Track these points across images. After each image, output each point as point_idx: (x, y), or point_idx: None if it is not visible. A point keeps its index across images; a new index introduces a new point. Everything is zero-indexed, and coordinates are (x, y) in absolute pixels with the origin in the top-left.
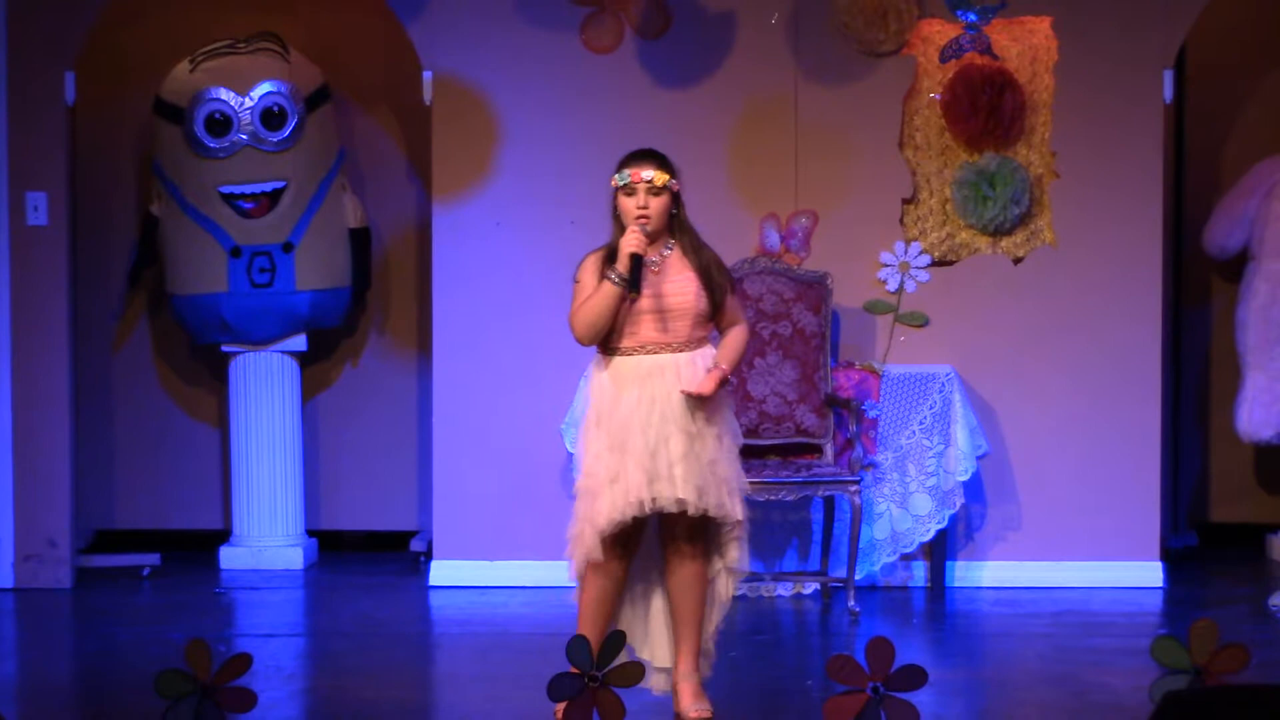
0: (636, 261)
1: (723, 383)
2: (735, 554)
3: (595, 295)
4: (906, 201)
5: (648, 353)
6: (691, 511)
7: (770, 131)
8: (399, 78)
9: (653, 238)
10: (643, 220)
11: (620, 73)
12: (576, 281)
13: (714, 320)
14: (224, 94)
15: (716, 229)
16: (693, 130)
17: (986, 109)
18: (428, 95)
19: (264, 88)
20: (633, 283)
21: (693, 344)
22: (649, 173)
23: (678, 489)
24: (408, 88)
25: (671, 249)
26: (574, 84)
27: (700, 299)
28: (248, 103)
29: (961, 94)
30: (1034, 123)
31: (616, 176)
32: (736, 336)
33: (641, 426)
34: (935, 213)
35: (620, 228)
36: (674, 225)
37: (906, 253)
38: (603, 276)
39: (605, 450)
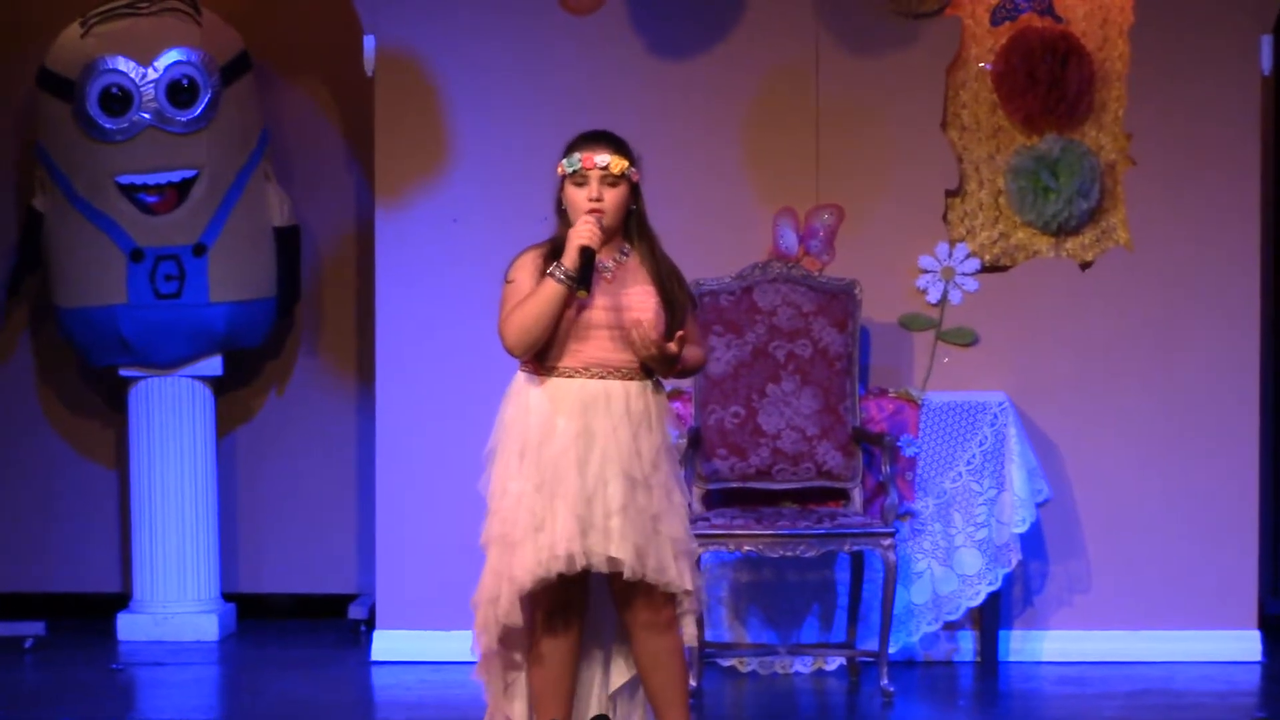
0: (588, 256)
1: (673, 359)
2: (691, 630)
3: (534, 295)
4: (951, 194)
5: (592, 376)
6: (626, 575)
7: (786, 109)
8: (335, 44)
9: (607, 236)
10: (595, 215)
11: (603, 38)
12: (509, 281)
13: None
14: (122, 64)
15: (721, 227)
16: (692, 108)
17: (1047, 81)
18: (370, 65)
19: (171, 56)
20: (583, 279)
21: (646, 373)
22: (604, 158)
23: (612, 545)
24: (346, 57)
25: (628, 254)
26: (547, 51)
27: (659, 319)
28: (151, 74)
29: (1017, 63)
30: (1105, 98)
31: (565, 162)
32: (697, 350)
33: (577, 465)
34: (986, 208)
35: (566, 224)
36: (631, 225)
37: (951, 256)
38: (544, 274)
39: (530, 490)
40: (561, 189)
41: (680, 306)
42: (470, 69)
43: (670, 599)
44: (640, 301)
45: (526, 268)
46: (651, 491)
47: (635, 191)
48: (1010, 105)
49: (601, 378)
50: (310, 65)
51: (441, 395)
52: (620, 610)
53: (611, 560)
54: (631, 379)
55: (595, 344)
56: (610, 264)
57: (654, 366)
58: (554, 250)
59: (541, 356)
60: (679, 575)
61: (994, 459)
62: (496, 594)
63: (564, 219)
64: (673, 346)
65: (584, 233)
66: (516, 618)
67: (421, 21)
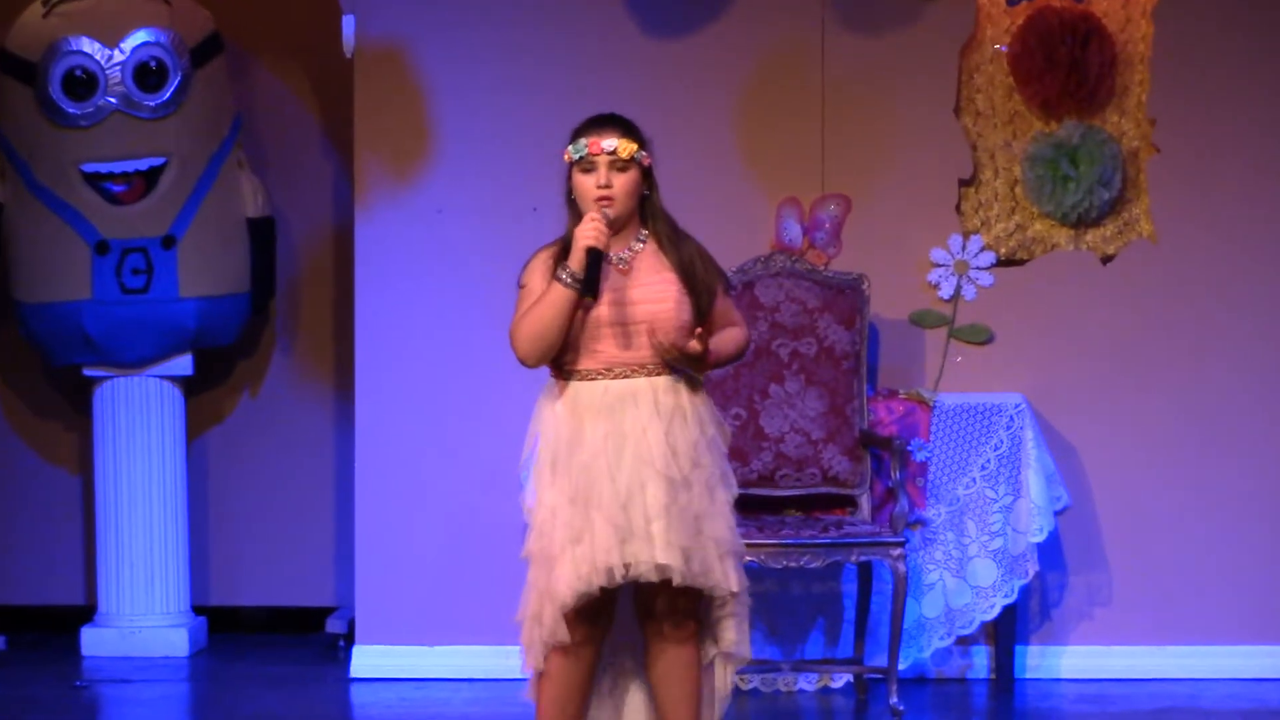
0: (595, 257)
1: (700, 357)
2: (732, 635)
3: (542, 300)
4: (964, 183)
5: (615, 376)
6: (677, 581)
7: (790, 93)
8: (312, 25)
9: (618, 226)
10: (605, 203)
11: (598, 18)
12: (522, 286)
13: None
14: (87, 45)
15: (720, 219)
16: (690, 93)
17: (1067, 64)
18: (349, 46)
19: (138, 37)
20: (589, 284)
21: (676, 369)
22: (611, 142)
23: (656, 552)
24: (324, 38)
25: (644, 241)
26: (538, 31)
27: (682, 306)
28: (117, 56)
29: (1035, 45)
30: (1128, 82)
31: (571, 149)
32: (733, 333)
33: (609, 471)
34: (1001, 198)
35: (577, 215)
36: (646, 211)
37: (964, 249)
38: (554, 276)
39: (564, 503)
40: (569, 177)
41: (706, 290)
42: (456, 52)
43: (692, 608)
44: (659, 292)
45: (538, 270)
46: (692, 489)
47: (647, 176)
48: (1027, 89)
49: (626, 376)
50: (286, 47)
51: (425, 396)
52: (642, 620)
53: (660, 568)
54: (659, 374)
55: (615, 341)
56: (626, 254)
57: (683, 367)
58: (566, 248)
59: (561, 361)
60: (724, 577)
61: (1010, 464)
62: (539, 611)
63: (574, 209)
64: (694, 345)
65: (589, 232)
66: (563, 634)
67: (404, 1)
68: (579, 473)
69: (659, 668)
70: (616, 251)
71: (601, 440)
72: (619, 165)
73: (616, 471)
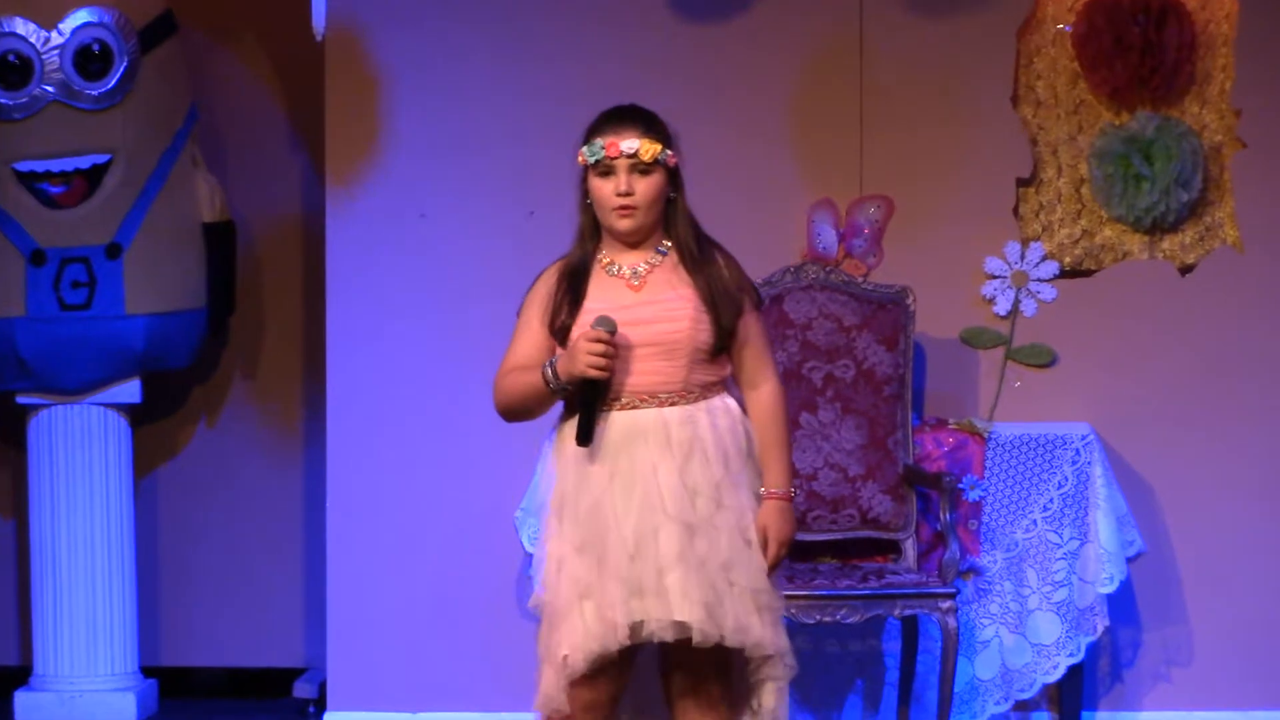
0: (593, 395)
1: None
2: (771, 702)
3: (525, 380)
4: (1023, 183)
5: (625, 407)
6: (697, 640)
7: (825, 82)
8: (278, 3)
9: (640, 237)
10: (625, 212)
11: (609, 6)
12: (519, 314)
13: (725, 352)
14: (21, 26)
15: (746, 224)
16: (711, 85)
17: (1139, 47)
18: (320, 29)
19: (79, 17)
20: (583, 434)
21: (692, 392)
22: (632, 143)
23: (673, 607)
24: (291, 18)
25: (665, 253)
26: (535, 15)
27: (699, 326)
28: (55, 39)
29: (1103, 26)
30: (1209, 67)
31: (585, 150)
32: (773, 417)
33: (616, 516)
34: (1065, 199)
35: (591, 222)
36: (669, 217)
37: (1023, 259)
38: (555, 308)
39: (571, 553)
40: (584, 181)
41: (732, 306)
42: (442, 35)
43: (725, 672)
44: (673, 310)
45: (535, 302)
46: (718, 535)
47: (673, 177)
48: (1095, 75)
49: (633, 408)
50: (248, 29)
51: (406, 430)
52: (668, 684)
53: (678, 625)
54: (673, 404)
55: (623, 367)
56: (642, 268)
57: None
58: (572, 270)
59: None
60: (764, 635)
61: (1075, 504)
62: (544, 675)
63: (587, 216)
64: (773, 558)
65: (594, 360)
66: (563, 703)
67: None
68: (586, 517)
69: None
70: (632, 266)
71: (607, 481)
72: (641, 168)
73: (624, 517)
